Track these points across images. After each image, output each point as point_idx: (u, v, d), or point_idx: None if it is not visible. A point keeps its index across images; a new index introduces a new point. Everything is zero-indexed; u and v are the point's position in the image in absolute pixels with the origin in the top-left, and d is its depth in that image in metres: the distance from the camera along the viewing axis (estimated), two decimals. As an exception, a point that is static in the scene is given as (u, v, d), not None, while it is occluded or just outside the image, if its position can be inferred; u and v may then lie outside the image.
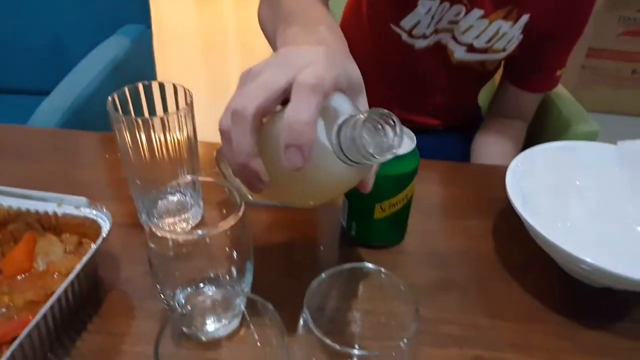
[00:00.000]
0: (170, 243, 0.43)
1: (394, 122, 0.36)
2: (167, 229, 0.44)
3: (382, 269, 0.37)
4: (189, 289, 0.46)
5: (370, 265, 0.37)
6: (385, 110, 0.36)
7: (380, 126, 0.37)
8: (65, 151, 0.72)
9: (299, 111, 0.36)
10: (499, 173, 0.56)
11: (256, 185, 0.40)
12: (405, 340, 0.32)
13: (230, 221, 0.40)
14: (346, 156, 0.37)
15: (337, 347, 0.32)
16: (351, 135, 0.36)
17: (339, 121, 0.37)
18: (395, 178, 0.51)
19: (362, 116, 0.35)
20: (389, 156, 0.37)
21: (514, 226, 0.56)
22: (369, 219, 0.54)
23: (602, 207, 0.52)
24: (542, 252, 0.52)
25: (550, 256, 0.52)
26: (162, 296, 0.46)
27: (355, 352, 0.33)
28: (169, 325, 0.33)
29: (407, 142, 0.51)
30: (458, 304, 0.52)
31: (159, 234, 0.41)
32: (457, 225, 0.62)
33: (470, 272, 0.55)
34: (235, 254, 0.45)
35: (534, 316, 0.51)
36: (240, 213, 0.40)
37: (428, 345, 0.47)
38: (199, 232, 0.40)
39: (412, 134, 0.52)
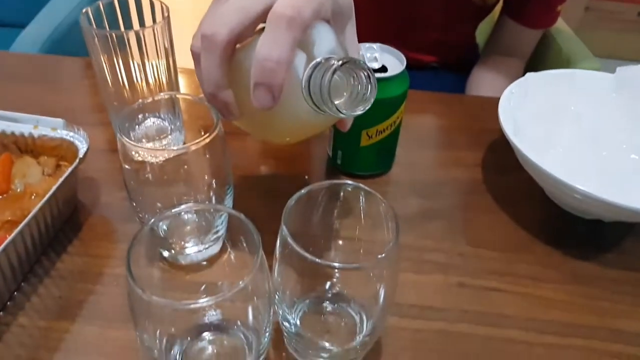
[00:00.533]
0: (148, 167, 0.41)
1: (368, 75, 0.34)
2: (141, 145, 0.43)
3: (362, 186, 0.36)
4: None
5: (350, 182, 0.36)
6: (363, 63, 0.34)
7: (354, 75, 0.34)
8: (44, 76, 0.70)
9: (272, 47, 0.33)
10: (493, 104, 0.54)
11: (227, 116, 0.39)
12: (383, 254, 0.31)
13: (206, 139, 0.39)
14: (314, 103, 0.34)
15: (317, 260, 0.31)
16: (319, 84, 0.33)
17: (312, 64, 0.34)
18: (383, 102, 0.48)
19: (335, 63, 0.32)
20: (358, 112, 0.35)
21: (506, 157, 0.54)
22: (355, 147, 0.52)
23: (597, 134, 0.50)
24: (533, 184, 0.51)
25: (541, 187, 0.51)
26: (143, 221, 0.45)
27: (335, 265, 0.32)
28: (139, 242, 0.32)
29: (396, 64, 0.49)
30: (443, 232, 0.51)
31: (131, 150, 0.39)
32: (446, 156, 0.60)
33: (458, 203, 0.55)
34: (213, 177, 0.43)
35: (521, 246, 0.50)
36: (217, 131, 0.39)
37: (412, 271, 0.47)
38: (173, 147, 0.38)
39: (402, 56, 0.50)
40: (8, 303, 0.42)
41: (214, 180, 0.44)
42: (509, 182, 0.56)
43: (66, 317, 0.42)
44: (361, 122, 0.50)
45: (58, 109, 0.63)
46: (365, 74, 0.34)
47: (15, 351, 0.39)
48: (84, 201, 0.52)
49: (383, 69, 0.49)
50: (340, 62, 0.32)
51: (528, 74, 0.55)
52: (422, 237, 0.50)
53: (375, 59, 0.50)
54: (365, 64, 0.34)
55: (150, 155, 0.40)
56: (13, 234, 0.41)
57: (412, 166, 0.58)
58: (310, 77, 0.33)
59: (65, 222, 0.49)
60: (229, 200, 0.46)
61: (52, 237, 0.48)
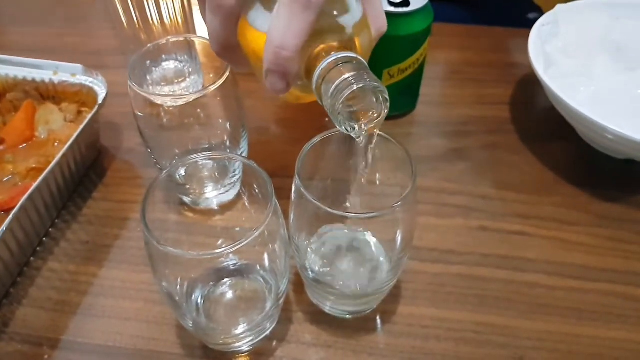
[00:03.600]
0: (162, 113, 0.41)
1: (383, 100, 0.29)
2: (153, 91, 0.42)
3: (380, 133, 0.35)
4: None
5: (366, 129, 0.35)
6: (380, 88, 0.28)
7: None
8: (62, 18, 0.69)
9: (286, 34, 0.28)
10: (523, 37, 0.51)
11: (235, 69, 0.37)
12: (399, 202, 0.31)
13: (215, 84, 0.38)
14: (321, 100, 0.30)
15: (331, 210, 0.31)
16: (331, 103, 0.29)
17: (329, 61, 0.29)
18: (404, 39, 0.46)
19: (354, 84, 0.28)
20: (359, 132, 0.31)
21: (535, 94, 0.52)
22: (377, 86, 0.51)
23: (633, 70, 0.47)
24: (563, 122, 0.49)
25: (571, 125, 0.49)
26: (159, 166, 0.45)
27: (348, 215, 0.32)
28: (155, 189, 0.33)
29: (418, -3, 0.46)
30: (466, 174, 0.50)
31: (142, 97, 0.38)
32: (472, 94, 0.58)
33: (483, 143, 0.53)
34: (227, 120, 0.43)
35: (547, 188, 0.49)
36: (227, 74, 0.38)
37: (432, 215, 0.46)
38: (185, 92, 0.37)
39: (425, -11, 0.47)
40: (38, 248, 0.44)
41: (228, 124, 0.43)
42: (538, 120, 0.54)
43: (94, 262, 0.43)
44: (382, 61, 0.48)
45: (79, 53, 0.64)
46: (381, 98, 0.29)
47: (47, 294, 0.41)
48: (107, 146, 0.53)
49: (405, 3, 0.47)
50: (362, 84, 0.28)
51: (558, 6, 0.51)
52: (445, 179, 0.49)
53: (397, -7, 0.47)
54: (383, 88, 0.29)
55: (168, 100, 0.40)
56: (38, 181, 0.42)
57: (436, 105, 0.56)
58: (324, 77, 0.29)
59: (90, 168, 0.50)
60: (244, 143, 0.45)
61: (77, 183, 0.49)
